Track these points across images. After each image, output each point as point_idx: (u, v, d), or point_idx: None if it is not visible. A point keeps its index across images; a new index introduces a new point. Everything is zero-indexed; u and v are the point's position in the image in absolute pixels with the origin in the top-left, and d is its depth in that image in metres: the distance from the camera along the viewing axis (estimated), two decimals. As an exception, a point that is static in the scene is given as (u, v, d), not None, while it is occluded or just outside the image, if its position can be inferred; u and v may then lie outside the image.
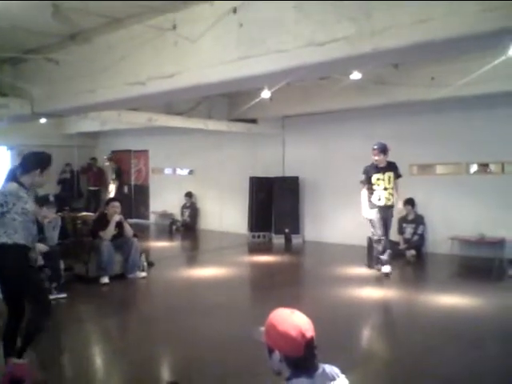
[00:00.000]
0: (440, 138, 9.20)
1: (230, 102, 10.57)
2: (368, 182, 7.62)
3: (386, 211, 7.61)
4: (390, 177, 7.56)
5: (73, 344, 5.06)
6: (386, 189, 7.54)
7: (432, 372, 4.18)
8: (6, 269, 3.85)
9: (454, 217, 9.08)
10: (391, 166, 7.61)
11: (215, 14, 4.21)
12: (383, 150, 7.52)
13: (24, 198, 3.88)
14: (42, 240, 6.51)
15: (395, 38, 3.31)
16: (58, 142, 14.53)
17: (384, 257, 7.64)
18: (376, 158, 7.55)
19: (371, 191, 7.62)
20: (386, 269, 7.59)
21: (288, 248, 10.54)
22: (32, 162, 4.01)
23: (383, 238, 7.68)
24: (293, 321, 1.90)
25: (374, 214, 7.61)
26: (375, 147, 7.56)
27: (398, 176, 7.67)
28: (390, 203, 7.60)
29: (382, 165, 7.57)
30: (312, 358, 1.90)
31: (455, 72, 7.17)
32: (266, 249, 10.45)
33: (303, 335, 1.87)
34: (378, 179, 7.56)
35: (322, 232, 10.86)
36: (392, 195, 7.58)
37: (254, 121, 10.97)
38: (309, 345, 1.88)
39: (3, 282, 3.95)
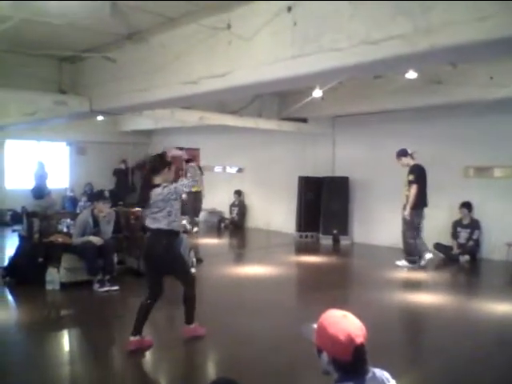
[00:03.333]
0: (498, 139, 8.83)
1: (280, 101, 10.56)
2: None
3: (402, 211, 8.34)
4: (407, 180, 8.27)
5: (123, 335, 5.21)
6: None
7: (481, 380, 4.04)
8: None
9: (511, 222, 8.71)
10: (409, 170, 8.27)
11: (269, 12, 4.21)
12: (397, 155, 8.41)
13: None
14: (97, 233, 6.75)
15: (453, 35, 3.19)
16: (114, 138, 15.02)
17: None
18: (399, 163, 8.44)
19: None
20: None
21: (336, 249, 10.42)
22: (160, 164, 4.50)
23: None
24: (343, 325, 1.87)
25: None
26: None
27: (408, 182, 8.18)
28: (404, 203, 8.28)
29: (407, 168, 8.31)
30: (361, 364, 1.86)
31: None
32: (314, 249, 10.38)
33: (352, 340, 1.83)
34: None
35: (372, 234, 10.67)
36: (406, 197, 8.20)
37: (304, 120, 10.92)
38: (358, 351, 1.83)
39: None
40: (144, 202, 4.42)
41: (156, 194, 4.32)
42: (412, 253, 8.36)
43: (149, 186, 4.42)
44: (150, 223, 4.42)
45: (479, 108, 8.64)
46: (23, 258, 6.87)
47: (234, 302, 6.33)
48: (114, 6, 4.62)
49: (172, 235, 4.45)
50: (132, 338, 4.46)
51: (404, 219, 8.32)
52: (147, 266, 4.64)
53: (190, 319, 4.76)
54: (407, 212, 8.15)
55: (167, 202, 4.31)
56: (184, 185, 4.35)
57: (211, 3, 4.55)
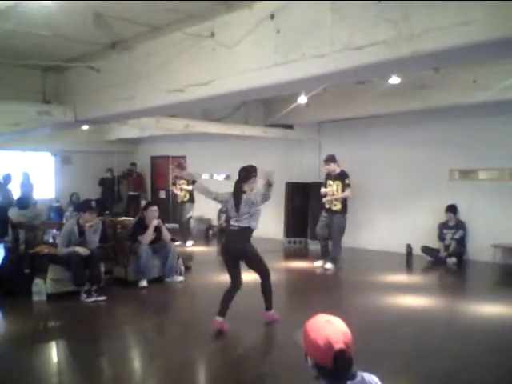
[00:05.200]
0: (482, 142, 8.95)
1: (266, 108, 10.59)
2: (325, 187, 8.75)
3: (330, 215, 8.59)
4: (338, 185, 8.52)
5: (111, 346, 5.16)
6: (333, 194, 8.54)
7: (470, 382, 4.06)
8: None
9: (498, 224, 8.81)
10: (341, 176, 8.54)
11: (252, 20, 4.24)
12: (328, 159, 8.66)
13: None
14: (83, 243, 6.69)
15: (435, 40, 3.24)
16: (100, 147, 14.94)
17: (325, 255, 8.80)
18: (326, 167, 8.72)
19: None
20: (318, 263, 8.85)
21: (324, 254, 10.41)
22: (247, 173, 5.34)
23: (320, 237, 8.80)
24: (324, 330, 1.87)
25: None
26: (324, 159, 8.81)
27: (345, 185, 8.48)
28: (334, 208, 8.55)
29: (334, 173, 8.61)
30: (343, 370, 1.85)
31: (498, 74, 6.97)
32: (302, 255, 10.39)
33: (331, 346, 1.82)
34: (330, 185, 8.63)
35: (359, 238, 10.70)
36: (337, 201, 8.50)
37: (290, 126, 10.96)
38: (337, 356, 1.82)
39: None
40: (236, 206, 5.24)
41: (244, 199, 5.20)
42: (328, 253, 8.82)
43: (240, 192, 5.26)
44: (235, 222, 5.29)
45: (463, 111, 8.75)
46: (9, 269, 6.79)
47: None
48: (97, 16, 4.62)
49: (251, 231, 5.40)
50: (218, 318, 5.19)
51: (338, 223, 8.56)
52: (227, 259, 5.44)
53: (269, 306, 5.50)
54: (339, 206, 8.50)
55: (251, 208, 5.23)
56: (261, 197, 5.25)
57: (195, 11, 4.56)
